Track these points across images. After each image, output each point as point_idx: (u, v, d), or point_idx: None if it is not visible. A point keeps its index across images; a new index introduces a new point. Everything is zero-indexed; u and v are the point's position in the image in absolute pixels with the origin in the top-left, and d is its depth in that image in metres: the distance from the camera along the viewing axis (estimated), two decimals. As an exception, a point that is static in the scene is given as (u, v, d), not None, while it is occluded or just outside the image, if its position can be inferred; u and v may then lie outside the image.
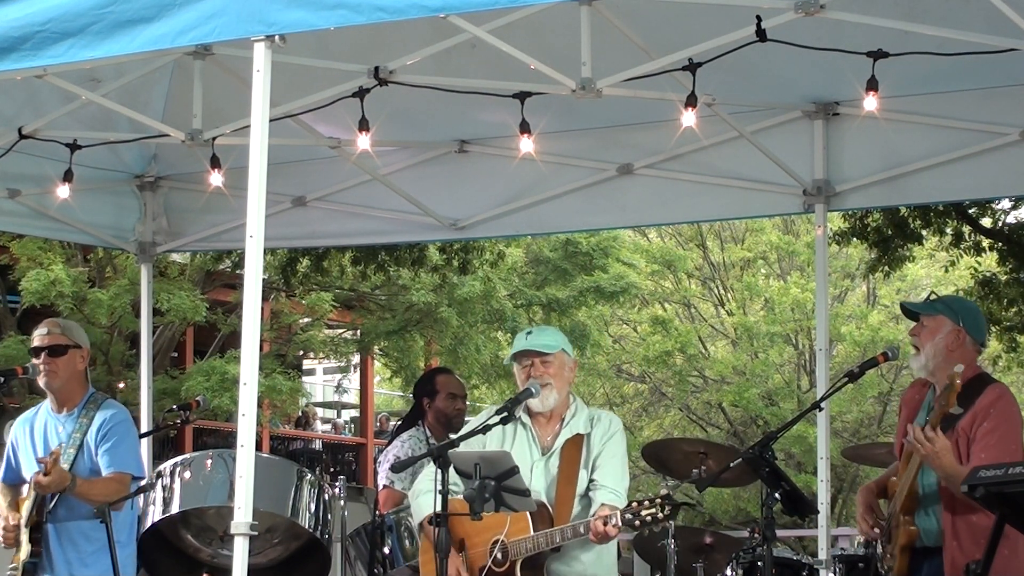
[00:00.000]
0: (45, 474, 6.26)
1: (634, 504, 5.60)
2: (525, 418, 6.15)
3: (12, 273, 18.41)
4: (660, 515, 5.56)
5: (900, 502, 5.86)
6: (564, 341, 6.18)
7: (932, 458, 5.60)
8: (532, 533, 5.86)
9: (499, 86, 6.73)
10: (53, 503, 6.46)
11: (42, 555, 6.41)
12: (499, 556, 5.89)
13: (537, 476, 6.03)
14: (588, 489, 6.00)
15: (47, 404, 6.73)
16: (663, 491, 5.66)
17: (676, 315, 28.74)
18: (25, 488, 6.63)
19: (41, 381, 6.63)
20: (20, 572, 6.47)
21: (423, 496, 6.08)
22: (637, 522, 5.58)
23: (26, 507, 6.53)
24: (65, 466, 6.42)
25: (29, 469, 6.62)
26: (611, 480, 5.95)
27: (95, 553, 6.45)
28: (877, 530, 6.01)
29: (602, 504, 5.86)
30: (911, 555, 5.85)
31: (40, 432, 6.69)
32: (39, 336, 6.67)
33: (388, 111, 6.93)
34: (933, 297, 6.01)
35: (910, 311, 6.05)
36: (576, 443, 6.04)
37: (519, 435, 6.15)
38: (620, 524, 5.63)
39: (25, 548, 6.46)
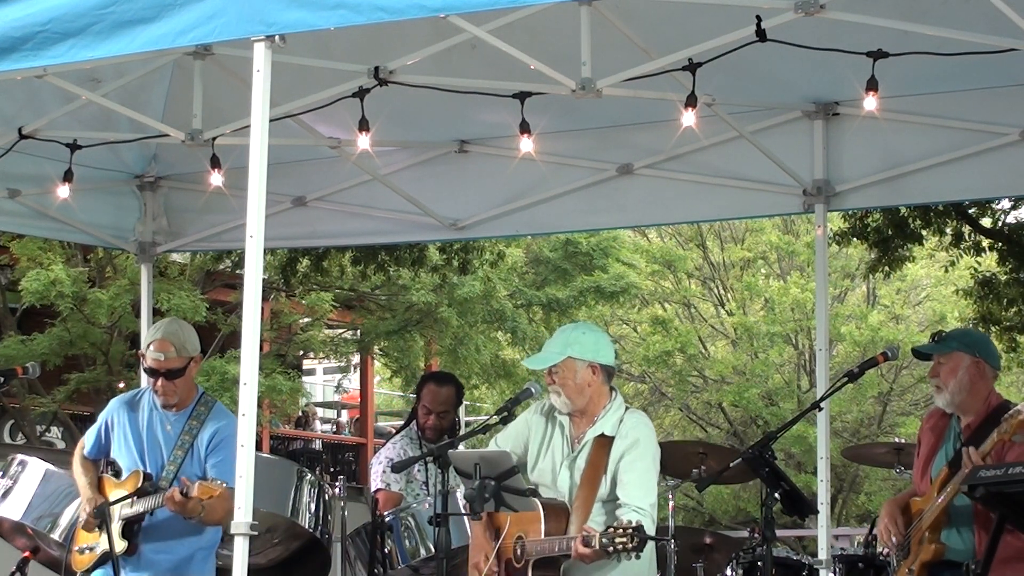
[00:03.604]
0: (183, 494, 6.12)
1: (610, 530, 5.50)
2: (563, 418, 6.05)
3: (12, 273, 18.41)
4: (629, 545, 5.46)
5: (929, 520, 5.96)
6: (575, 348, 5.94)
7: None
8: (542, 536, 5.83)
9: (499, 86, 6.73)
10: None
11: (108, 524, 6.30)
12: (518, 552, 5.88)
13: (563, 476, 5.97)
14: (611, 498, 5.89)
15: (152, 396, 6.59)
16: (635, 523, 5.51)
17: (676, 315, 28.71)
18: (122, 473, 6.56)
19: (158, 401, 6.50)
20: (96, 555, 6.43)
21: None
22: (611, 548, 5.47)
23: (127, 506, 6.42)
24: (172, 468, 6.40)
25: (122, 456, 6.56)
26: (635, 498, 5.79)
27: (192, 538, 6.47)
28: (895, 539, 6.11)
29: (589, 517, 5.80)
30: (931, 570, 5.98)
31: (144, 423, 6.57)
32: (154, 360, 6.45)
33: (388, 111, 6.93)
34: (941, 335, 6.14)
35: (923, 353, 6.16)
36: (602, 444, 5.92)
37: (555, 434, 6.07)
38: (597, 547, 5.50)
39: (119, 543, 6.37)
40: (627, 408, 6.02)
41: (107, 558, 6.39)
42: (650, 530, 5.71)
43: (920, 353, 6.23)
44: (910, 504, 6.16)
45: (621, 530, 5.46)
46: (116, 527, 6.39)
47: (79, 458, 6.71)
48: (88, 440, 6.74)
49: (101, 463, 6.76)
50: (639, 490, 5.81)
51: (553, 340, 6.06)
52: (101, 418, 6.73)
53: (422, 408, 7.81)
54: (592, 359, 5.94)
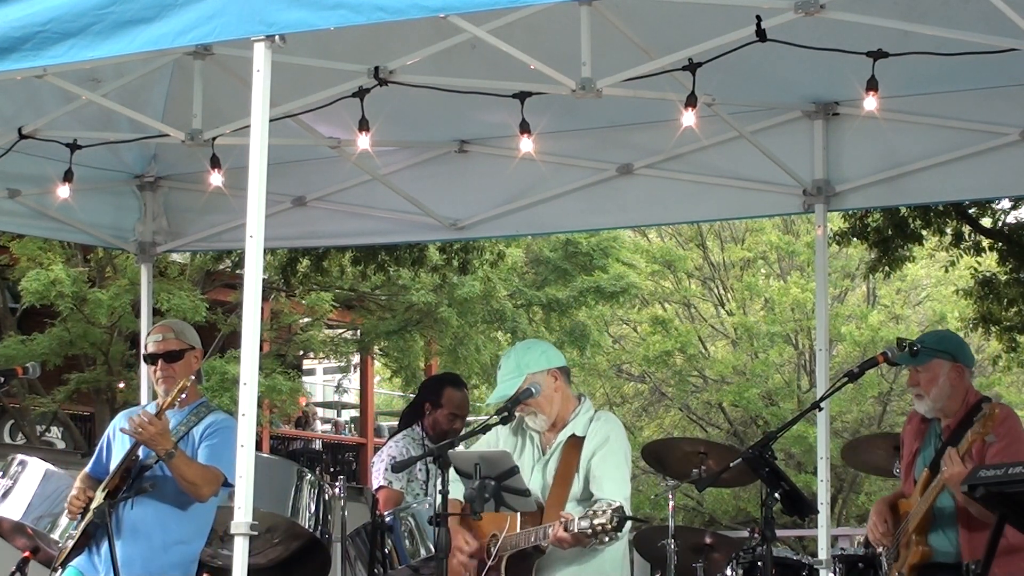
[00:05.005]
0: (156, 416, 6.16)
1: (590, 512, 5.58)
2: (533, 432, 6.13)
3: (12, 273, 18.41)
4: (609, 526, 5.53)
5: (914, 523, 6.00)
6: (530, 363, 6.04)
7: (954, 481, 5.73)
8: (516, 531, 5.86)
9: (499, 86, 6.73)
10: (138, 475, 6.37)
11: (110, 520, 6.28)
12: (492, 549, 5.90)
13: (536, 478, 6.02)
14: (585, 496, 5.95)
15: (155, 403, 6.63)
16: (616, 503, 5.62)
17: (676, 315, 28.73)
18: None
19: (159, 388, 6.56)
20: (78, 535, 6.41)
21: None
22: (590, 530, 5.54)
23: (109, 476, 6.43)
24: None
25: (118, 459, 6.54)
26: (609, 492, 5.87)
27: (171, 547, 6.43)
28: (883, 539, 6.12)
29: (563, 511, 5.83)
30: (920, 573, 6.01)
31: None
32: (154, 343, 6.59)
33: (388, 111, 6.92)
34: (911, 345, 6.05)
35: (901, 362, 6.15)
36: (574, 445, 6.01)
37: (526, 444, 6.14)
38: (576, 530, 5.56)
39: (91, 514, 6.36)
40: (596, 410, 6.12)
41: (76, 554, 6.40)
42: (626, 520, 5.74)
43: (899, 363, 6.21)
44: (899, 505, 6.19)
45: (600, 512, 5.51)
46: (100, 493, 6.37)
47: (81, 474, 6.71)
48: (92, 459, 6.76)
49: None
50: (613, 484, 5.90)
51: (505, 370, 6.11)
52: (104, 434, 6.76)
53: (446, 415, 7.80)
54: (547, 366, 6.06)
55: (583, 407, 6.11)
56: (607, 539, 5.55)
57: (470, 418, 8.98)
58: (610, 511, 5.52)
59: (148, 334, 6.70)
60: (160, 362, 6.54)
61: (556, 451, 6.04)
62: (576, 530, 5.55)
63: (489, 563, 5.91)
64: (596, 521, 5.51)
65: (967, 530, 5.86)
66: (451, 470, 5.76)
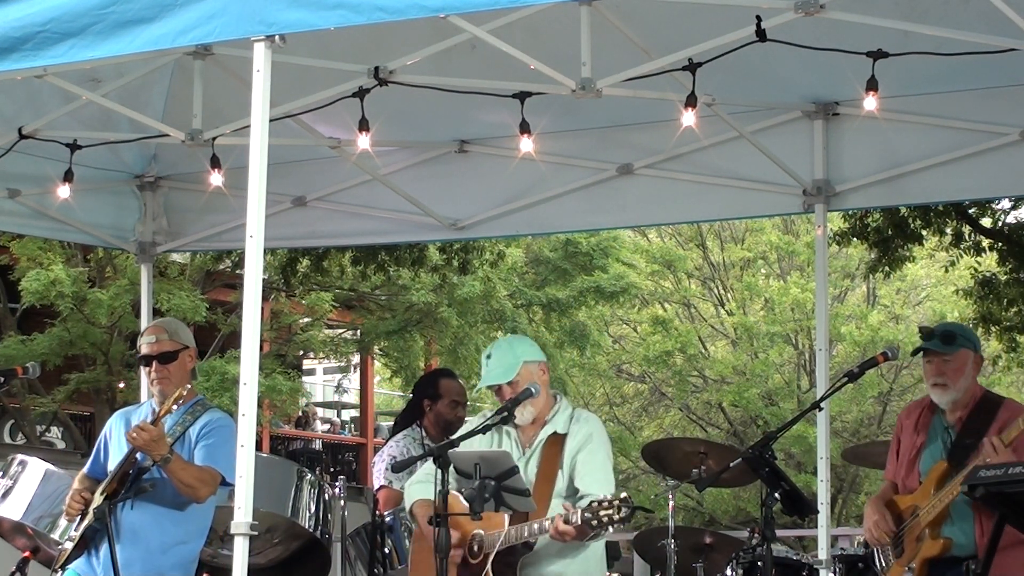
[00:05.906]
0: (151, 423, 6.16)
1: (593, 504, 5.58)
2: (509, 427, 6.14)
3: (12, 273, 18.41)
4: (616, 516, 5.52)
5: (930, 516, 5.99)
6: (524, 352, 6.09)
7: None
8: (505, 528, 5.86)
9: (499, 86, 6.73)
10: (136, 478, 6.36)
11: (108, 525, 6.27)
12: (475, 548, 5.90)
13: None
14: (569, 492, 5.95)
15: (152, 401, 6.64)
16: (622, 494, 5.61)
17: (676, 315, 28.73)
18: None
19: (155, 389, 6.53)
20: (79, 538, 6.40)
21: (415, 485, 6.14)
22: (595, 522, 5.53)
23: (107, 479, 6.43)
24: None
25: (116, 459, 6.51)
26: (595, 487, 5.86)
27: (170, 548, 6.41)
28: (885, 536, 6.12)
29: (564, 502, 5.83)
30: (931, 566, 6.00)
31: (138, 422, 6.54)
32: (147, 344, 6.56)
33: (388, 111, 6.92)
34: (943, 333, 6.11)
35: (931, 350, 6.14)
36: (555, 442, 6.03)
37: (503, 442, 6.15)
38: (579, 522, 5.56)
39: (90, 516, 6.37)
40: (574, 408, 6.16)
41: (74, 557, 6.40)
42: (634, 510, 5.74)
43: (929, 351, 6.18)
44: (894, 502, 6.17)
45: (606, 503, 5.51)
46: (98, 498, 6.37)
47: (79, 474, 6.70)
48: (89, 459, 6.75)
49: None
50: (600, 480, 5.92)
51: (499, 357, 6.12)
52: (101, 434, 6.75)
53: (447, 404, 7.84)
54: (539, 359, 6.13)
55: (561, 405, 6.14)
56: (611, 529, 5.55)
57: (470, 418, 8.98)
58: (618, 502, 5.51)
59: (141, 335, 6.68)
60: (154, 364, 6.51)
61: (537, 449, 6.05)
62: (579, 521, 5.54)
63: (472, 560, 5.90)
64: (602, 513, 5.50)
65: (984, 521, 5.84)
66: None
